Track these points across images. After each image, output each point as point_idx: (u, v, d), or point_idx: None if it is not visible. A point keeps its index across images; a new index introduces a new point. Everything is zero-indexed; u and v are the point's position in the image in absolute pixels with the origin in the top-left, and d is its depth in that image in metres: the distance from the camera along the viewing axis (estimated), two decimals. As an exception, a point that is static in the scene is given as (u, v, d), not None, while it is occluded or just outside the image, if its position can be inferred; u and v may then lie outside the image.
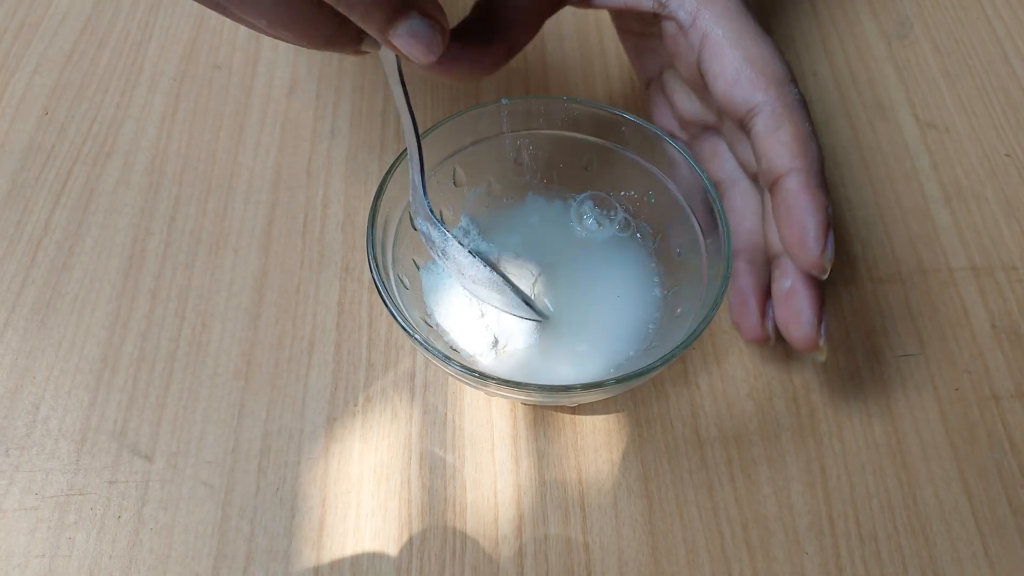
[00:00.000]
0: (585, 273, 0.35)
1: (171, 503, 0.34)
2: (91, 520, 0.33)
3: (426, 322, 0.33)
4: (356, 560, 0.32)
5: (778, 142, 0.28)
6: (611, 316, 0.34)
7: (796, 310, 0.29)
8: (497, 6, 0.31)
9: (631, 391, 0.36)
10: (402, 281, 0.33)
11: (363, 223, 0.40)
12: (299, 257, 0.40)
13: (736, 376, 0.36)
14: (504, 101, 0.33)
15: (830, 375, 0.36)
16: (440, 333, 0.34)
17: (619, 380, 0.28)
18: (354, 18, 0.22)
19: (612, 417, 0.35)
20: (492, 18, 0.30)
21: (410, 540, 0.33)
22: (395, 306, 0.29)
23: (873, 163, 0.43)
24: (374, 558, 0.32)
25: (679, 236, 0.34)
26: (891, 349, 0.37)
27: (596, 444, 0.35)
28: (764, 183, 0.29)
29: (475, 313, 0.34)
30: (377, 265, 0.30)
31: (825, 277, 0.28)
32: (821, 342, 0.29)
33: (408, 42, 0.23)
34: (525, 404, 0.35)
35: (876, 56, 0.47)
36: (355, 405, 0.36)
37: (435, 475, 0.34)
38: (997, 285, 0.39)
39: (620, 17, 0.34)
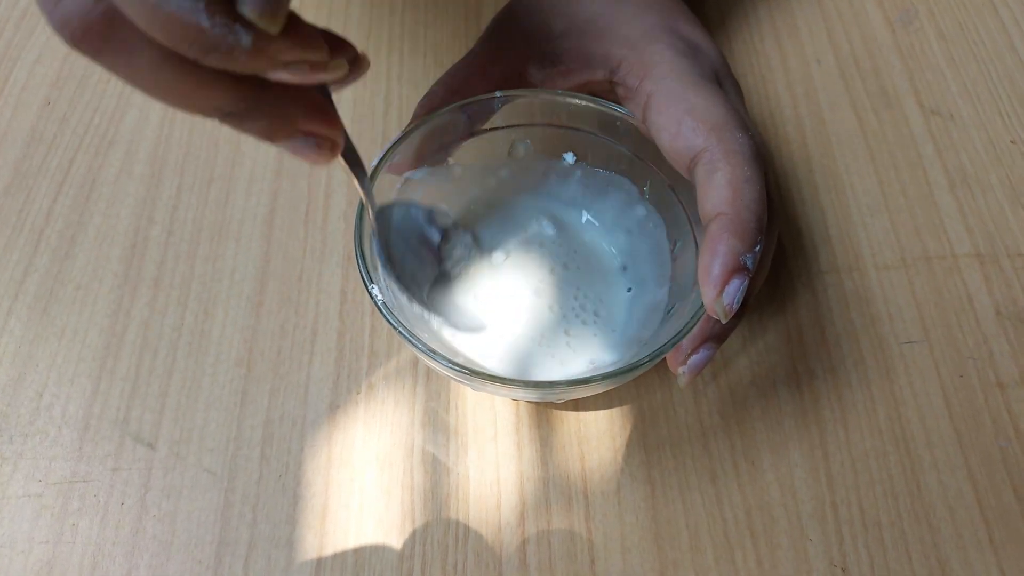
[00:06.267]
0: (580, 268, 0.35)
1: (174, 490, 0.34)
2: (94, 507, 0.33)
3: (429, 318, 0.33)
4: (359, 546, 0.32)
5: (712, 187, 0.28)
6: (605, 310, 0.34)
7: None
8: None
9: (634, 379, 0.36)
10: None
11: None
12: (301, 246, 0.40)
13: (739, 363, 0.36)
14: (498, 94, 0.33)
15: (834, 362, 0.36)
16: (441, 329, 0.33)
17: (605, 377, 0.28)
18: (240, 128, 0.21)
19: (615, 404, 0.35)
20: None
21: (413, 527, 0.33)
22: (383, 302, 0.29)
23: (878, 150, 0.43)
24: (377, 544, 0.32)
25: (673, 232, 0.34)
26: (895, 336, 0.37)
27: (599, 431, 0.35)
28: (703, 226, 0.29)
29: (473, 309, 0.34)
30: (363, 254, 0.30)
31: (724, 322, 0.28)
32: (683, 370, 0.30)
33: (293, 153, 0.23)
34: (517, 404, 0.35)
35: (881, 44, 0.47)
36: (358, 393, 0.36)
37: (438, 463, 0.34)
38: (1002, 272, 0.38)
39: (579, 86, 0.35)
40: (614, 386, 0.30)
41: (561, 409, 0.35)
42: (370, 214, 0.30)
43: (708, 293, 0.27)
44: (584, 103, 0.33)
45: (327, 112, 0.23)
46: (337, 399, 0.36)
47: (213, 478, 0.34)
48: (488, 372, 0.28)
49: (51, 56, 0.47)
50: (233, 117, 0.21)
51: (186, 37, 0.18)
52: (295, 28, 0.19)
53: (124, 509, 0.33)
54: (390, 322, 0.28)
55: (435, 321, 0.32)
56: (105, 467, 0.34)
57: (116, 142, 0.43)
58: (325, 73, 0.21)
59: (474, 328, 0.33)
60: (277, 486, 0.34)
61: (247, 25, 0.18)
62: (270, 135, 0.22)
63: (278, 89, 0.21)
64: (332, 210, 0.41)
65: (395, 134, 0.33)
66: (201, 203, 0.41)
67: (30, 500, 0.33)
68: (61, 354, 0.37)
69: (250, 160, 0.43)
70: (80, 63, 0.46)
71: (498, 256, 0.35)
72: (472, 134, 0.34)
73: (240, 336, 0.37)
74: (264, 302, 0.38)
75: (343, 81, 0.22)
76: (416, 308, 0.31)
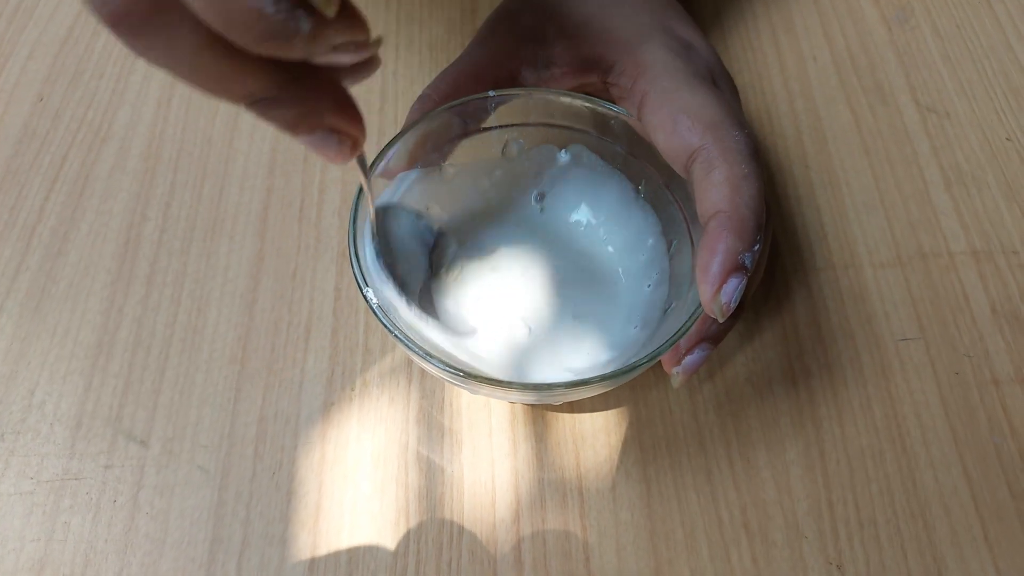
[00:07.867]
0: (577, 268, 0.35)
1: (167, 488, 0.33)
2: (87, 505, 0.33)
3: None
4: (353, 545, 0.32)
5: (710, 185, 0.28)
6: (602, 311, 0.34)
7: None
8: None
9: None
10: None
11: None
12: (295, 243, 0.40)
13: (735, 361, 0.36)
14: (492, 94, 0.32)
15: (830, 359, 0.36)
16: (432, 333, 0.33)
17: (603, 378, 0.28)
18: (266, 116, 0.21)
19: (611, 403, 0.35)
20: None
21: (407, 525, 0.33)
22: (378, 305, 0.29)
23: (873, 147, 0.42)
24: (371, 543, 0.32)
25: (669, 231, 0.34)
26: (891, 333, 0.37)
27: (594, 429, 0.35)
28: (702, 224, 0.29)
29: (474, 311, 0.34)
30: (357, 256, 0.29)
31: (721, 320, 0.28)
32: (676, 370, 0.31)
33: (312, 147, 0.22)
34: (512, 403, 0.35)
35: (876, 41, 0.47)
36: (352, 390, 0.36)
37: (432, 460, 0.34)
38: (997, 269, 0.38)
39: (573, 87, 0.35)
40: (612, 387, 0.29)
41: (556, 409, 0.35)
42: (371, 216, 0.29)
43: (706, 292, 0.27)
44: (578, 102, 0.33)
45: (352, 108, 0.22)
46: (331, 396, 0.35)
47: (206, 475, 0.34)
48: (484, 375, 0.28)
49: (43, 52, 0.46)
50: (262, 104, 0.20)
51: (246, 23, 0.17)
52: (347, 9, 0.18)
53: (116, 507, 0.33)
54: (385, 325, 0.28)
55: (426, 325, 0.32)
56: (97, 464, 0.34)
57: (109, 139, 0.43)
58: (367, 52, 0.20)
59: (464, 333, 0.33)
60: (271, 484, 0.33)
61: (308, 10, 0.17)
62: (295, 126, 0.21)
63: (311, 78, 0.20)
64: (326, 207, 0.41)
65: (390, 134, 0.32)
66: (195, 200, 0.41)
67: (22, 498, 0.33)
68: (53, 351, 0.37)
69: (243, 157, 0.42)
70: (73, 58, 0.46)
71: (491, 257, 0.35)
72: (466, 134, 0.34)
73: (234, 333, 0.37)
74: (258, 299, 0.38)
75: (365, 72, 0.21)
76: (413, 311, 0.31)
